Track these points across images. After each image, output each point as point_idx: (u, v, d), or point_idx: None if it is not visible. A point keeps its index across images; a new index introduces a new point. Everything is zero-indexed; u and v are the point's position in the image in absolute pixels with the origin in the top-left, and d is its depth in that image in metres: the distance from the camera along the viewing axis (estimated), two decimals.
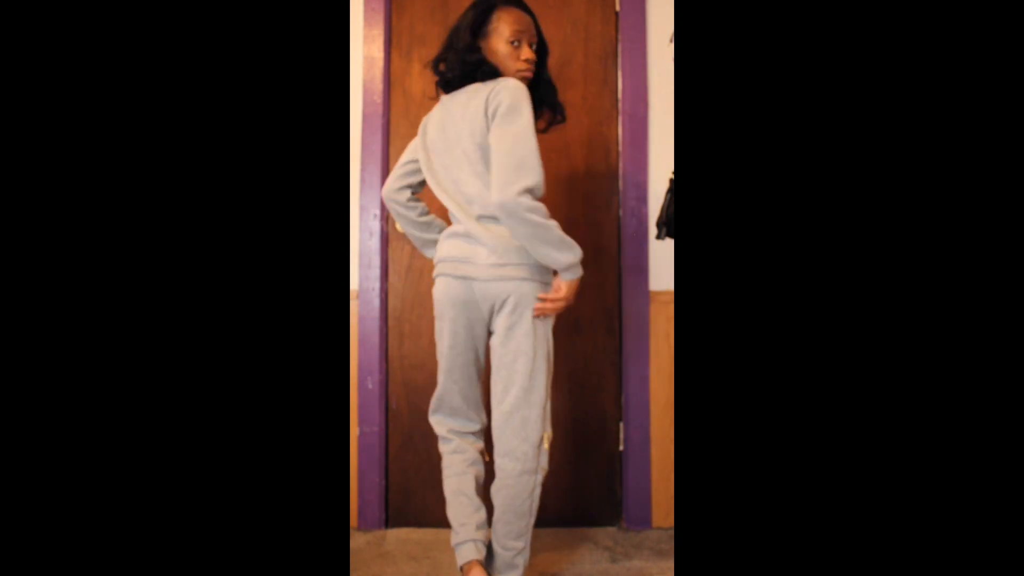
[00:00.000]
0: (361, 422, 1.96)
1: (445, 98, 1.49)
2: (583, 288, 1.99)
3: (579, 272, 1.38)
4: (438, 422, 1.52)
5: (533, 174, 1.27)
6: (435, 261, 1.48)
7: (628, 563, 1.71)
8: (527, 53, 1.43)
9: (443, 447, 1.52)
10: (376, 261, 1.97)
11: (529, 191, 1.27)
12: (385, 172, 2.01)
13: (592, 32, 2.05)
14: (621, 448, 2.00)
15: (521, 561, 1.40)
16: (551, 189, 2.01)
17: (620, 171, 2.02)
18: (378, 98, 2.00)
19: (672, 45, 1.97)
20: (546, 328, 1.40)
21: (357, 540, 1.87)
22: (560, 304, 1.39)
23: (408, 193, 1.56)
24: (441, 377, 1.48)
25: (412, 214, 1.57)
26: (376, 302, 1.97)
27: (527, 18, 1.45)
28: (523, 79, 1.44)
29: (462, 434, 1.51)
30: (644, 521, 1.95)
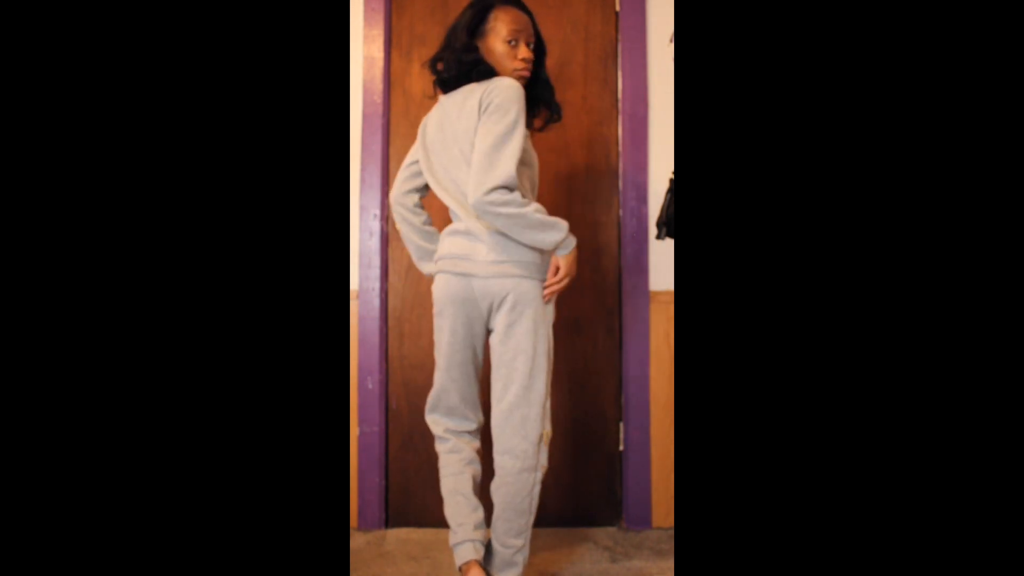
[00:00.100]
0: (361, 422, 1.96)
1: (443, 98, 1.49)
2: (583, 288, 2.00)
3: (572, 244, 1.39)
4: (434, 421, 1.52)
5: (503, 173, 1.28)
6: (435, 258, 1.48)
7: (628, 563, 1.71)
8: (524, 52, 1.44)
9: (439, 446, 1.52)
10: (376, 261, 1.97)
11: (499, 188, 1.27)
12: (385, 172, 2.01)
13: (592, 32, 2.05)
14: (621, 448, 2.00)
15: (520, 559, 1.40)
16: (551, 189, 2.01)
17: (620, 171, 2.02)
18: (378, 98, 2.00)
19: (672, 45, 1.97)
20: (546, 326, 1.40)
21: (357, 540, 1.87)
22: (565, 282, 1.40)
23: (415, 197, 1.57)
24: (439, 375, 1.48)
25: (417, 220, 1.57)
26: (376, 302, 1.97)
27: (524, 17, 1.45)
28: (520, 79, 1.44)
29: (458, 433, 1.50)
30: (644, 521, 1.95)
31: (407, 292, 2.01)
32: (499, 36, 1.42)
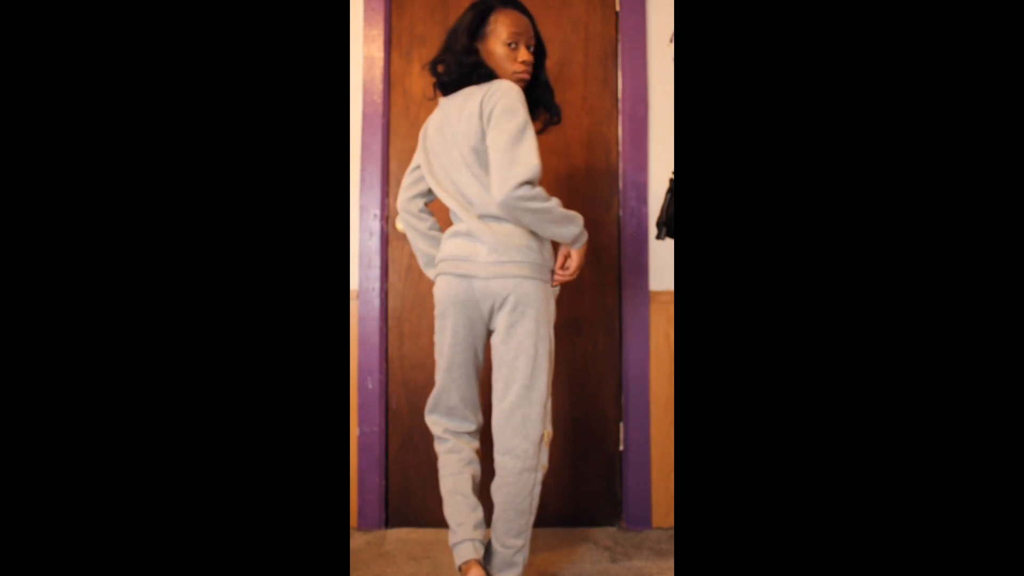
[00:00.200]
0: (361, 422, 1.96)
1: (443, 100, 1.50)
2: (583, 288, 2.00)
3: (585, 237, 1.42)
4: (434, 421, 1.52)
5: (529, 168, 1.28)
6: (437, 260, 1.48)
7: (628, 563, 1.71)
8: (524, 55, 1.44)
9: (439, 447, 1.52)
10: (376, 261, 1.97)
11: (525, 184, 1.28)
12: (385, 172, 2.01)
13: (592, 32, 2.05)
14: (621, 448, 2.00)
15: (520, 559, 1.40)
16: (551, 189, 2.01)
17: (620, 171, 2.02)
18: (378, 98, 2.00)
19: (672, 45, 1.97)
20: (548, 326, 1.40)
21: (357, 540, 1.87)
22: (575, 273, 1.44)
23: (421, 202, 1.57)
24: (440, 375, 1.48)
25: (423, 226, 1.57)
26: (376, 302, 1.97)
27: (525, 20, 1.45)
28: (520, 81, 1.45)
29: (458, 434, 1.51)
30: (644, 521, 1.95)
31: (407, 292, 2.01)
32: (499, 39, 1.43)
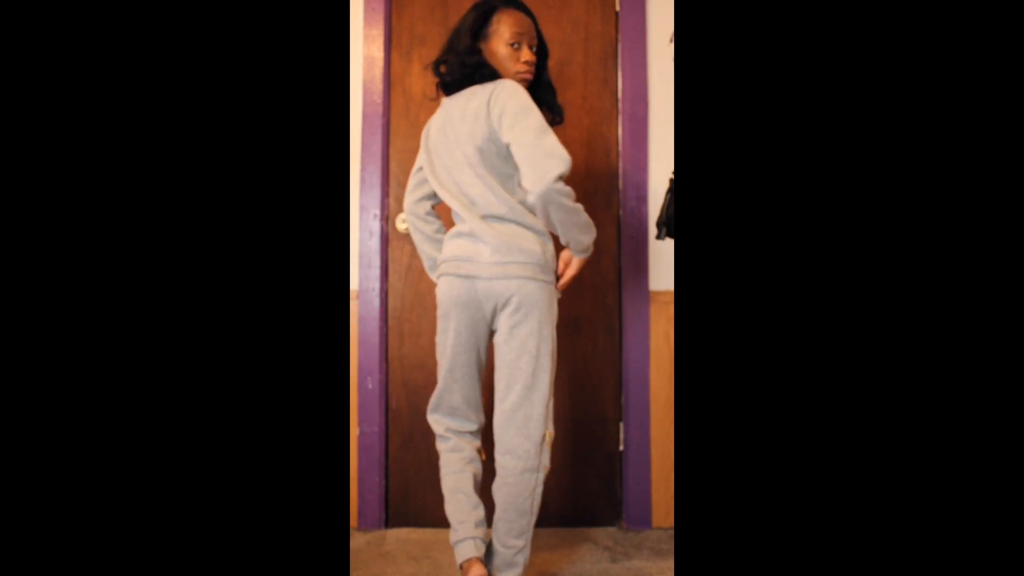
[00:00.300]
0: (361, 422, 1.96)
1: (446, 100, 1.50)
2: (583, 288, 1.99)
3: (590, 252, 1.46)
4: (436, 421, 1.52)
5: (563, 161, 1.29)
6: (439, 261, 1.49)
7: (628, 563, 1.71)
8: (527, 55, 1.45)
9: (441, 445, 1.52)
10: (376, 261, 1.97)
11: (562, 177, 1.29)
12: (385, 172, 2.01)
13: (592, 32, 2.05)
14: (621, 448, 2.00)
15: (521, 559, 1.40)
16: None
17: (620, 171, 2.02)
18: (378, 98, 2.00)
19: (672, 45, 1.97)
20: (551, 327, 1.40)
21: (357, 540, 1.87)
22: (566, 284, 1.47)
23: (428, 205, 1.57)
24: (442, 376, 1.48)
25: (429, 229, 1.57)
26: (376, 302, 1.97)
27: (527, 20, 1.46)
28: (522, 81, 1.45)
29: (460, 433, 1.51)
30: (644, 521, 1.95)
31: (407, 292, 2.01)
32: (502, 39, 1.43)
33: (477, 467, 1.50)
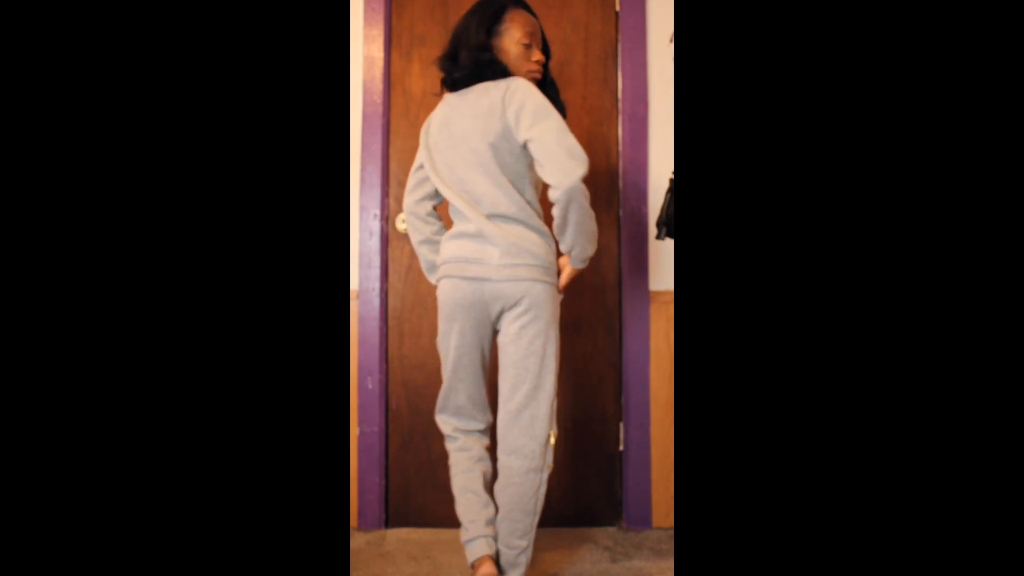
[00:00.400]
0: (361, 422, 1.96)
1: (450, 96, 1.49)
2: (583, 288, 2.00)
3: (587, 264, 1.48)
4: (444, 421, 1.53)
5: (584, 162, 1.32)
6: (439, 262, 1.48)
7: (628, 563, 1.71)
8: (537, 55, 1.47)
9: (449, 445, 1.52)
10: (376, 261, 1.97)
11: (583, 178, 1.32)
12: (385, 172, 2.01)
13: (592, 32, 2.05)
14: (621, 448, 2.00)
15: (524, 560, 1.40)
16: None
17: (620, 171, 2.02)
18: (378, 98, 2.00)
19: (672, 45, 1.97)
20: (555, 328, 1.41)
21: (357, 540, 1.87)
22: (567, 284, 1.49)
23: (429, 205, 1.56)
24: (446, 376, 1.48)
25: (429, 230, 1.55)
26: (376, 302, 1.97)
27: (534, 20, 1.48)
28: (532, 80, 1.46)
29: (467, 432, 1.51)
30: (644, 521, 1.95)
31: (407, 292, 2.01)
32: (513, 38, 1.44)
33: (486, 466, 1.50)
